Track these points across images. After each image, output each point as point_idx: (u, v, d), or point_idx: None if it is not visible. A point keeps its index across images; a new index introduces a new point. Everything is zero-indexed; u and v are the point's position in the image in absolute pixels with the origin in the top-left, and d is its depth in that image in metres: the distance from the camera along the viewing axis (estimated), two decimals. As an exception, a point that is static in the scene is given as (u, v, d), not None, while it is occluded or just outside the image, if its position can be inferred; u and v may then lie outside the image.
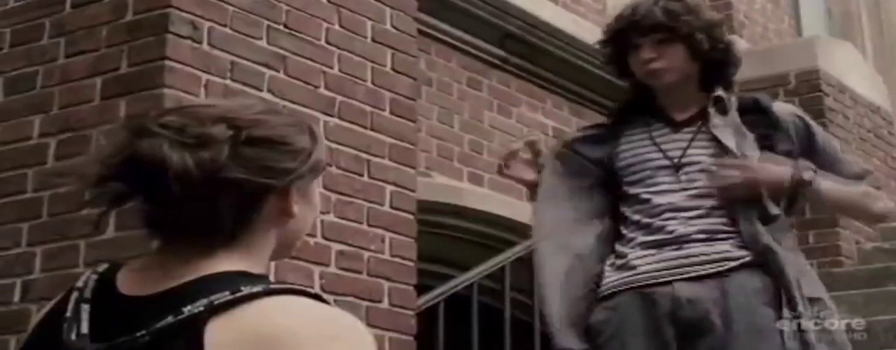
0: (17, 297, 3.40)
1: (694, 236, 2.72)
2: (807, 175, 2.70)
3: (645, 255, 2.75)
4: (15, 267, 3.43)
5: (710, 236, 2.72)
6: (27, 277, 3.40)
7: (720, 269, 2.68)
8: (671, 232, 2.74)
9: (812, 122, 2.88)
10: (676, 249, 2.72)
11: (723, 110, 2.80)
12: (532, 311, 4.57)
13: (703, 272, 2.68)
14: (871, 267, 5.92)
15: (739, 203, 2.72)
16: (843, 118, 6.60)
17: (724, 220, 2.73)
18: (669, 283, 2.69)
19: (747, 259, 2.68)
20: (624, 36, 2.86)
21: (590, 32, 5.90)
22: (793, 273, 2.65)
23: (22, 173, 3.51)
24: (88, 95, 3.46)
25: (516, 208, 5.65)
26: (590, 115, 6.13)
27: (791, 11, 8.47)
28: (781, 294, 2.63)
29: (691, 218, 2.74)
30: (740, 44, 7.31)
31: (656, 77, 2.83)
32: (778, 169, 2.72)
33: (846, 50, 7.24)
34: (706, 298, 2.65)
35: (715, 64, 2.83)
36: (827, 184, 2.74)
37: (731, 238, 2.71)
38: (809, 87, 6.49)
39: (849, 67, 6.92)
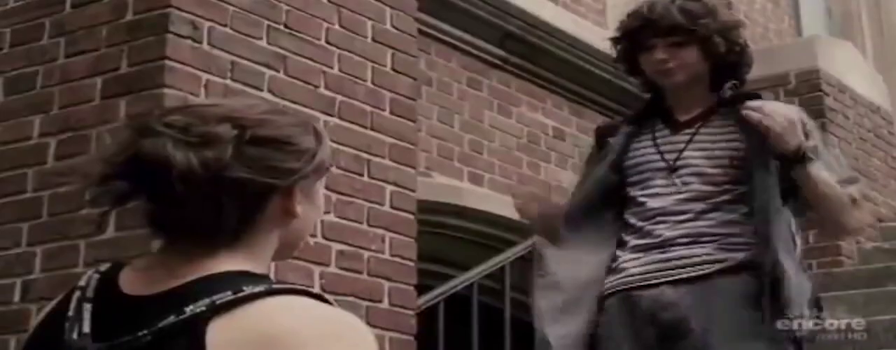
0: (17, 297, 3.40)
1: (678, 240, 2.73)
2: (811, 152, 2.66)
3: (632, 259, 2.77)
4: (15, 267, 3.43)
5: (694, 240, 2.72)
6: (27, 277, 3.40)
7: (703, 272, 2.68)
8: (658, 236, 2.75)
9: (809, 123, 2.83)
10: (661, 253, 2.73)
11: (731, 103, 2.78)
12: (532, 310, 4.56)
13: (684, 275, 2.69)
14: (871, 267, 5.92)
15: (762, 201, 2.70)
16: (843, 118, 6.60)
17: (711, 222, 2.72)
18: (653, 286, 2.70)
19: (731, 263, 2.68)
20: (638, 35, 2.85)
21: (590, 32, 5.90)
22: (787, 274, 2.63)
23: (22, 173, 3.51)
24: (88, 95, 3.46)
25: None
26: (590, 115, 6.13)
27: (791, 11, 8.47)
28: (768, 296, 2.62)
29: (679, 222, 2.74)
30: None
31: (667, 76, 2.83)
32: (796, 133, 2.66)
33: (846, 50, 7.24)
34: (686, 301, 2.66)
35: (728, 65, 2.83)
36: (823, 173, 2.70)
37: (714, 241, 2.71)
38: (809, 87, 6.48)
39: (849, 67, 6.92)
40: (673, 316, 2.65)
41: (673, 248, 2.72)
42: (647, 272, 2.73)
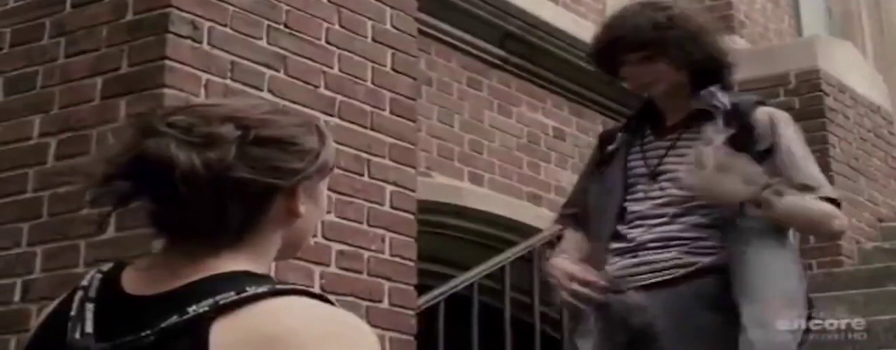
0: (17, 297, 3.40)
1: (649, 244, 2.73)
2: (765, 197, 2.61)
3: (610, 264, 2.77)
4: (15, 267, 3.43)
5: (665, 244, 2.72)
6: (27, 277, 3.39)
7: (670, 276, 2.69)
8: (632, 239, 2.76)
9: (783, 123, 2.80)
10: (632, 257, 2.75)
11: (709, 116, 2.76)
12: (532, 310, 4.57)
13: (654, 279, 2.69)
14: (871, 267, 5.92)
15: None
16: (844, 118, 6.60)
17: (682, 226, 2.72)
18: (623, 290, 2.70)
19: (697, 267, 2.68)
20: (608, 52, 2.85)
21: (590, 32, 5.86)
22: (754, 278, 2.62)
23: (22, 173, 3.50)
24: (89, 95, 3.46)
25: (516, 208, 5.65)
26: (590, 115, 6.13)
27: (791, 11, 8.46)
28: (734, 298, 2.61)
29: (653, 226, 2.74)
30: (740, 44, 7.34)
31: (646, 90, 2.85)
32: (738, 187, 2.61)
33: (846, 49, 7.24)
34: (653, 306, 2.66)
35: (706, 71, 2.80)
36: (786, 204, 2.65)
37: (683, 245, 2.71)
38: (809, 87, 6.48)
39: (849, 67, 6.92)
40: (641, 320, 2.66)
41: (643, 253, 2.73)
42: (620, 276, 2.73)
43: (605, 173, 2.90)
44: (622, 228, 2.79)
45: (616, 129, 3.03)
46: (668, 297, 2.65)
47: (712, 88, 2.79)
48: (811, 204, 2.72)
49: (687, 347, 2.61)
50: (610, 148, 2.92)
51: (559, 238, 3.07)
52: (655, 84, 2.81)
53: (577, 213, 2.97)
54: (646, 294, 2.68)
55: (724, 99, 2.79)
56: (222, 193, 1.29)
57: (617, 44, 2.81)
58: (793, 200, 2.67)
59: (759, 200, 2.61)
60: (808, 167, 2.78)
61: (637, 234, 2.75)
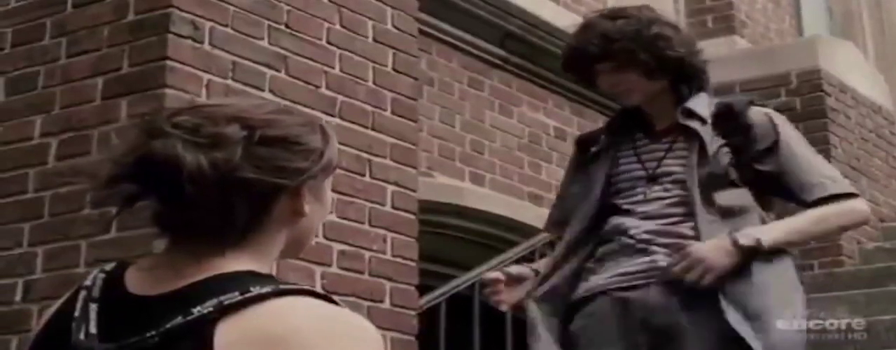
0: (18, 297, 3.40)
1: (659, 240, 2.71)
2: (746, 241, 2.61)
3: (614, 262, 2.76)
4: (17, 267, 3.43)
5: (675, 242, 2.70)
6: (29, 277, 3.40)
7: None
8: (640, 239, 2.74)
9: (781, 125, 2.78)
10: (644, 255, 2.72)
11: (693, 124, 2.75)
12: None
13: (667, 278, 2.67)
14: (872, 266, 5.92)
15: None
16: (845, 118, 6.60)
17: (692, 224, 2.71)
18: (639, 288, 2.68)
19: None
20: (579, 64, 2.84)
21: (591, 32, 5.89)
22: (748, 283, 2.62)
23: (23, 173, 3.51)
24: (90, 95, 3.46)
25: (517, 208, 5.65)
26: (591, 115, 6.13)
27: (792, 11, 8.47)
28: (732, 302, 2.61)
29: (663, 225, 2.73)
30: (741, 44, 7.34)
31: (623, 98, 2.83)
32: (716, 249, 2.60)
33: (847, 49, 7.24)
34: (671, 304, 2.63)
35: (683, 76, 2.78)
36: (778, 233, 2.66)
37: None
38: (811, 87, 6.48)
39: (850, 67, 6.92)
40: (664, 320, 2.64)
41: (655, 252, 2.71)
42: (632, 273, 2.72)
43: (590, 174, 2.89)
44: (627, 229, 2.78)
45: (597, 132, 3.01)
46: (688, 296, 2.63)
47: (689, 104, 2.77)
48: (802, 220, 2.72)
49: (714, 347, 2.60)
50: (594, 149, 2.91)
51: (560, 238, 3.07)
52: (629, 94, 2.79)
53: (563, 220, 2.97)
54: (662, 292, 2.67)
55: (705, 111, 2.77)
56: (228, 193, 1.29)
57: (584, 55, 2.79)
58: (776, 233, 2.66)
59: (746, 245, 2.60)
60: (815, 163, 2.78)
61: (644, 234, 2.74)
